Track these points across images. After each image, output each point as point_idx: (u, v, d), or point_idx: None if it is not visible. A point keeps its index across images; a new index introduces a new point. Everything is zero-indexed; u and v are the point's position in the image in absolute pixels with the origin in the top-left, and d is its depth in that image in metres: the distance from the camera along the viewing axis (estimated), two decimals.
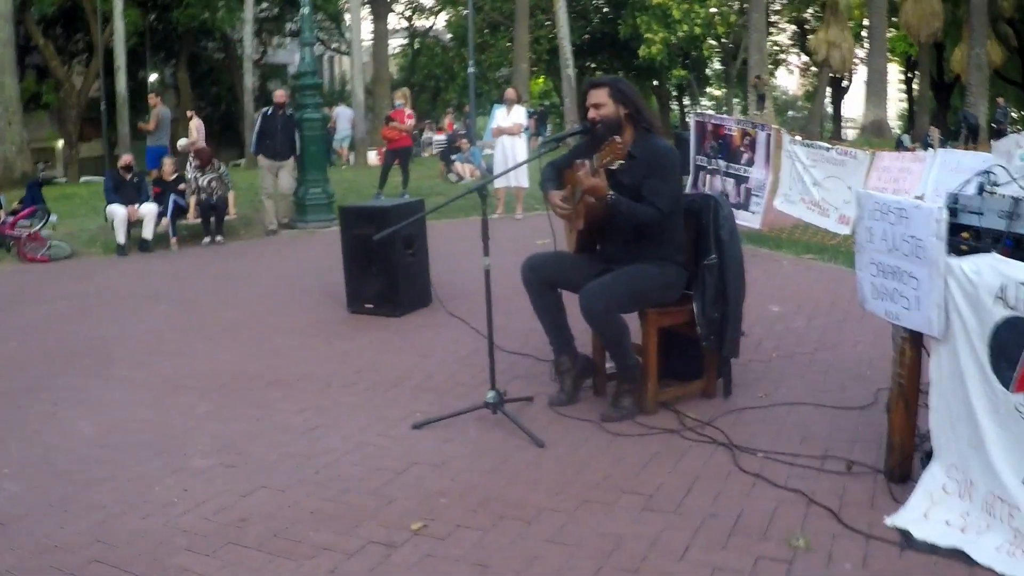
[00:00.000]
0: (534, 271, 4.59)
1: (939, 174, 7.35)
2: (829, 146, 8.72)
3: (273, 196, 11.93)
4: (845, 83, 41.49)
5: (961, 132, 23.22)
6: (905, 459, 3.55)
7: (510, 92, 12.68)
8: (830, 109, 41.51)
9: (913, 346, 3.46)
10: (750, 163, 9.47)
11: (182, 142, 16.65)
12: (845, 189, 8.30)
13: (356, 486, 3.79)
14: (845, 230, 8.28)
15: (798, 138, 9.40)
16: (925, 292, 3.24)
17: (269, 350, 6.04)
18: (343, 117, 23.89)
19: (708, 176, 9.95)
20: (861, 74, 35.63)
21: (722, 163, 9.74)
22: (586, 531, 3.30)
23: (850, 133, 39.28)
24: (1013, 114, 35.75)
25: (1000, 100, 24.75)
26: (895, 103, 43.36)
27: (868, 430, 4.11)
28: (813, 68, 39.62)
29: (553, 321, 4.64)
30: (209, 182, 11.41)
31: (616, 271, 4.35)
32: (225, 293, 8.10)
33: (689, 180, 9.94)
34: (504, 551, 3.19)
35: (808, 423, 4.25)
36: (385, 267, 6.68)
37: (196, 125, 17.00)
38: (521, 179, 11.91)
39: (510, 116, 12.07)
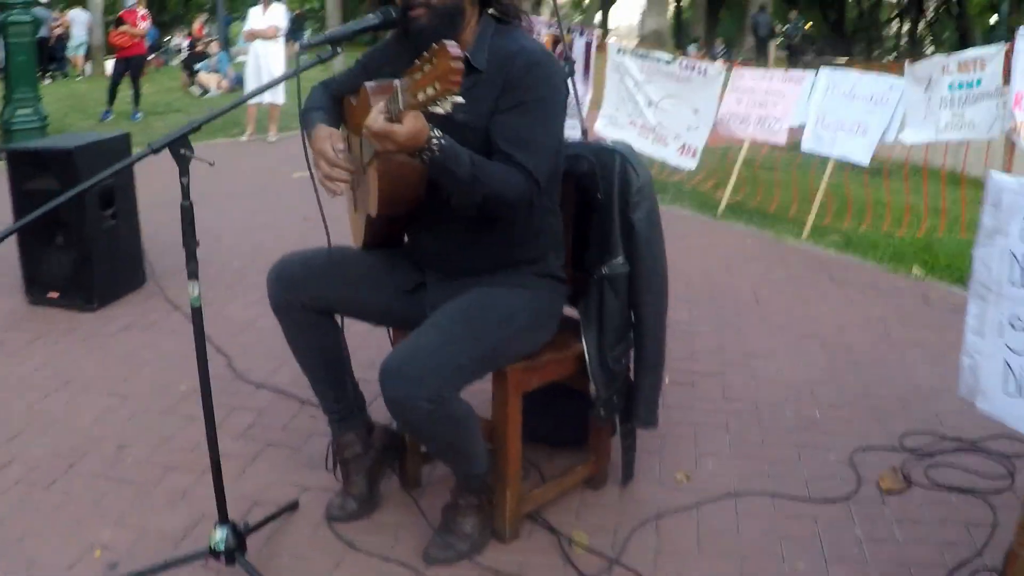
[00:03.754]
0: (289, 285, 2.30)
1: (825, 101, 5.60)
2: (669, 58, 6.79)
3: None
4: None
5: (748, 41, 22.12)
6: None
7: None
8: (597, 18, 39.92)
9: None
10: None
11: None
12: (689, 112, 6.45)
13: None
14: (690, 164, 6.47)
15: (629, 46, 7.44)
16: None
17: None
18: (78, 22, 19.90)
19: None
20: None
21: None
22: None
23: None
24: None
25: (793, 14, 23.69)
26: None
27: (869, 544, 2.28)
28: None
29: (327, 374, 2.42)
30: None
31: (442, 309, 2.15)
32: None
33: None
34: None
35: (769, 541, 2.36)
36: (73, 238, 4.20)
37: None
38: (277, 94, 9.31)
39: (265, 16, 9.52)
